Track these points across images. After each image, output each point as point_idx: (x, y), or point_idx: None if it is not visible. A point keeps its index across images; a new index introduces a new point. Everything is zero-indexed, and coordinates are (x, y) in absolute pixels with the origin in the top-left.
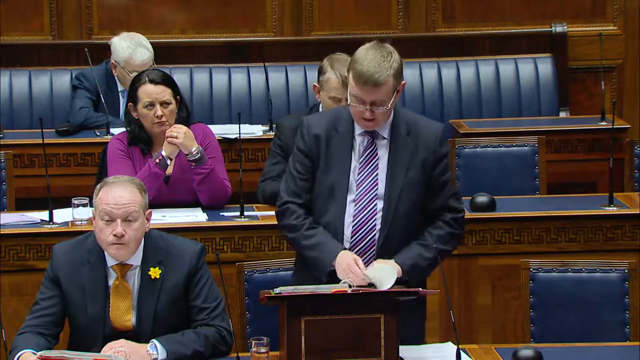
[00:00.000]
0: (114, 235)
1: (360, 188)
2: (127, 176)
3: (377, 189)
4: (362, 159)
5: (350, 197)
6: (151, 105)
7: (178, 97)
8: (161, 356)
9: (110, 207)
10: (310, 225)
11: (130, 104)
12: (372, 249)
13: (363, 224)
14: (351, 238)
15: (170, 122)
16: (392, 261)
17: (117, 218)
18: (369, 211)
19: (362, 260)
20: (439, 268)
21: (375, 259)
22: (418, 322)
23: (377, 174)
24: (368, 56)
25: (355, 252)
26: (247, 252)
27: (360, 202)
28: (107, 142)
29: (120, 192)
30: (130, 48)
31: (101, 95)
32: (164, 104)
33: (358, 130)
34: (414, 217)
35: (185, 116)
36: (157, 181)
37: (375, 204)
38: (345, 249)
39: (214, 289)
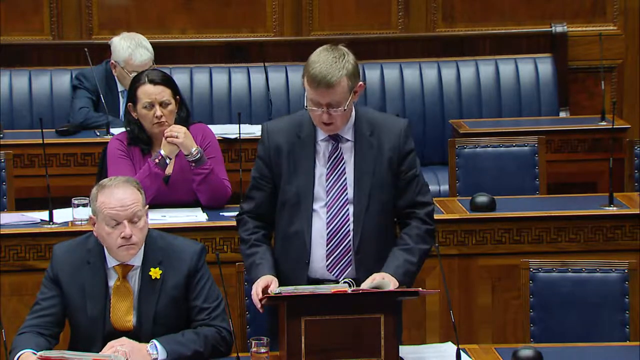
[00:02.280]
0: (123, 237)
1: (330, 194)
2: (122, 176)
3: (346, 193)
4: (328, 164)
5: (317, 205)
6: (150, 105)
7: (178, 97)
8: (161, 356)
9: (115, 210)
10: (253, 242)
11: (129, 104)
12: (349, 254)
13: (337, 230)
14: (327, 245)
15: (170, 122)
16: (383, 274)
17: (123, 220)
18: (341, 217)
19: (340, 265)
20: (438, 268)
21: (352, 264)
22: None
23: (345, 179)
24: (320, 58)
25: (333, 259)
26: None
27: (332, 209)
28: (107, 142)
29: (121, 194)
30: (130, 48)
31: (101, 95)
32: (163, 104)
33: (321, 135)
34: (387, 216)
35: (184, 116)
36: (157, 181)
37: (347, 209)
38: (270, 274)
39: (214, 289)
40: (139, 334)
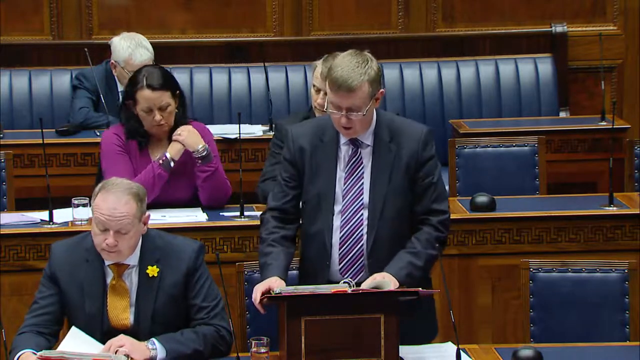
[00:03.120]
0: (106, 244)
1: (346, 198)
2: (126, 181)
3: (362, 198)
4: (347, 168)
5: (337, 208)
6: (149, 110)
7: (178, 92)
8: (160, 355)
9: (104, 217)
10: (270, 242)
11: (130, 101)
12: (361, 259)
13: (350, 234)
14: (339, 249)
15: (170, 122)
16: (384, 273)
17: (109, 229)
18: (355, 221)
19: (352, 269)
20: (439, 268)
21: (364, 268)
22: (430, 317)
23: (362, 183)
24: (343, 62)
25: (344, 263)
26: (247, 252)
27: (346, 213)
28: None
29: (114, 203)
30: (130, 48)
31: (101, 95)
32: (162, 108)
33: (343, 139)
34: (402, 222)
35: (180, 114)
36: (160, 182)
37: (362, 214)
38: (277, 277)
39: (214, 288)
40: (137, 332)
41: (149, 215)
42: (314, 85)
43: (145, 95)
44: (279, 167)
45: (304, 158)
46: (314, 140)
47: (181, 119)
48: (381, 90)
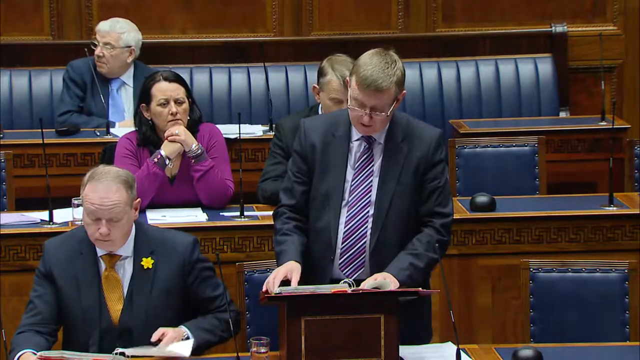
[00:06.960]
0: (100, 233)
1: (354, 195)
2: (115, 169)
3: (370, 195)
4: (357, 165)
5: (345, 204)
6: (166, 102)
7: (190, 99)
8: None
9: (95, 207)
10: (284, 231)
11: (142, 104)
12: (363, 256)
13: (354, 230)
14: (342, 244)
15: (184, 120)
16: (385, 274)
17: (102, 218)
18: (360, 218)
19: (352, 265)
20: (439, 268)
21: (364, 266)
22: (425, 319)
23: (371, 181)
24: (373, 61)
25: (346, 259)
26: (247, 252)
27: (353, 209)
28: (107, 142)
29: (105, 192)
30: (105, 22)
31: (87, 86)
32: (178, 102)
33: (355, 135)
34: (408, 222)
35: (197, 118)
36: (157, 181)
37: (368, 211)
38: (294, 261)
39: (215, 275)
40: (130, 325)
41: (139, 201)
42: (333, 99)
43: (161, 87)
44: (290, 161)
45: (314, 154)
46: (327, 135)
47: (196, 125)
48: (403, 91)
